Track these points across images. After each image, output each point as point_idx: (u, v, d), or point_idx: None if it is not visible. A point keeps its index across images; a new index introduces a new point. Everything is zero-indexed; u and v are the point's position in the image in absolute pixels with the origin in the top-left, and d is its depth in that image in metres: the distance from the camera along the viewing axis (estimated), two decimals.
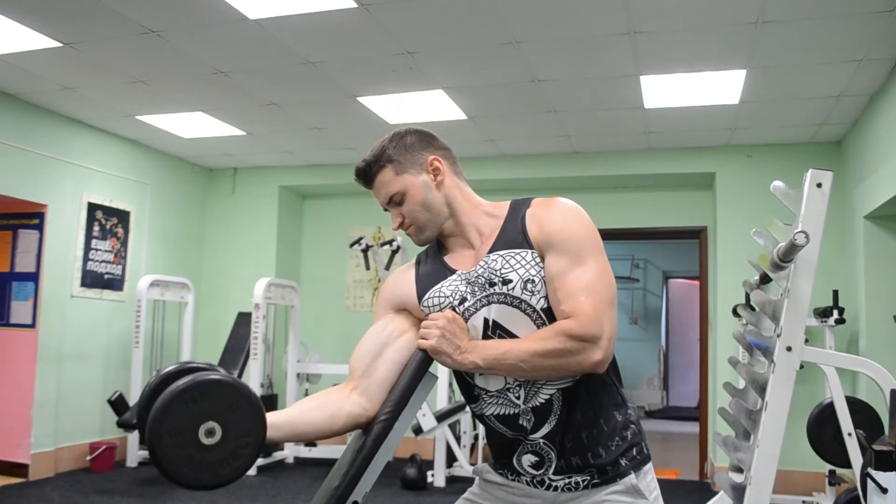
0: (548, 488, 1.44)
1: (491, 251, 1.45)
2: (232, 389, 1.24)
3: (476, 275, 1.45)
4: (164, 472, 1.20)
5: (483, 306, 1.43)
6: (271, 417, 1.30)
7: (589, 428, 1.41)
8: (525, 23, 3.72)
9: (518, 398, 1.41)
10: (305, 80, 4.62)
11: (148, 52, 4.22)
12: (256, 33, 3.91)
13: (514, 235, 1.44)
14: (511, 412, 1.43)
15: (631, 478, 1.41)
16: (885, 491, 2.11)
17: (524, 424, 1.43)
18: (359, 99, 4.98)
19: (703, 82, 4.47)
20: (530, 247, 1.41)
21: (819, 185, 2.08)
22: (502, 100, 4.94)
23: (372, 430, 1.40)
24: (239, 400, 1.24)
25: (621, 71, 4.33)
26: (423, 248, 1.61)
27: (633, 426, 1.46)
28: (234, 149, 6.45)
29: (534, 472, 1.45)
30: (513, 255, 1.42)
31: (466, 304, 1.44)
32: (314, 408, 1.41)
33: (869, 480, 2.14)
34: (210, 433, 1.22)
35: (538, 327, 1.39)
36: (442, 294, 1.47)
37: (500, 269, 1.41)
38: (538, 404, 1.41)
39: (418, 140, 1.52)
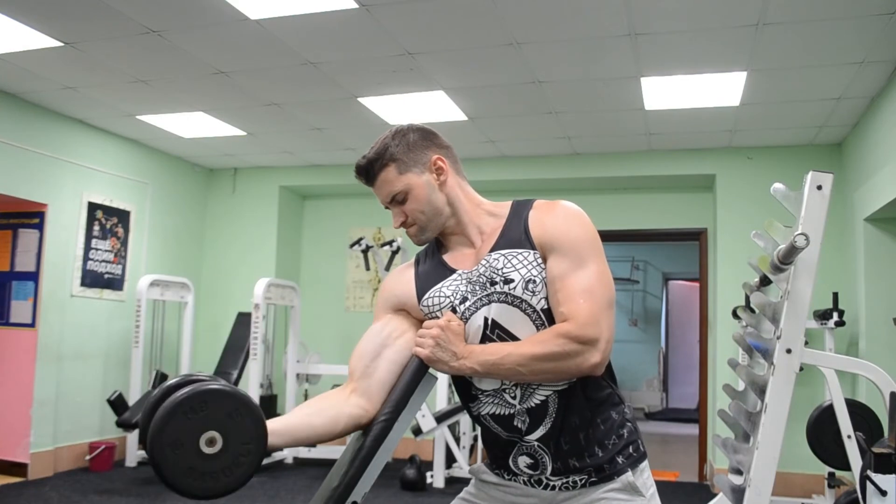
0: (545, 487, 1.45)
1: (493, 250, 1.45)
2: (231, 398, 1.24)
3: (478, 274, 1.45)
4: (168, 484, 1.20)
5: (483, 305, 1.43)
6: (272, 424, 1.30)
7: (586, 429, 1.42)
8: (526, 24, 3.72)
9: (514, 398, 1.42)
10: (306, 80, 4.62)
11: (148, 52, 4.22)
12: (257, 33, 3.91)
13: (516, 235, 1.44)
14: (506, 412, 1.43)
15: (628, 475, 1.42)
16: (884, 493, 2.11)
17: (518, 426, 1.43)
18: (359, 99, 4.98)
19: (703, 84, 4.47)
20: (532, 247, 1.42)
21: (819, 188, 2.07)
22: (503, 101, 4.94)
23: (371, 431, 1.40)
24: (239, 408, 1.24)
25: (622, 72, 4.33)
26: (422, 247, 1.60)
27: (629, 424, 1.47)
28: (234, 149, 6.45)
29: (530, 472, 1.45)
30: (515, 254, 1.42)
31: (467, 303, 1.44)
32: (315, 413, 1.40)
33: (868, 483, 2.14)
34: (211, 442, 1.22)
35: (538, 328, 1.39)
36: (442, 294, 1.47)
37: (502, 268, 1.41)
38: (533, 405, 1.41)
39: (421, 138, 1.51)
